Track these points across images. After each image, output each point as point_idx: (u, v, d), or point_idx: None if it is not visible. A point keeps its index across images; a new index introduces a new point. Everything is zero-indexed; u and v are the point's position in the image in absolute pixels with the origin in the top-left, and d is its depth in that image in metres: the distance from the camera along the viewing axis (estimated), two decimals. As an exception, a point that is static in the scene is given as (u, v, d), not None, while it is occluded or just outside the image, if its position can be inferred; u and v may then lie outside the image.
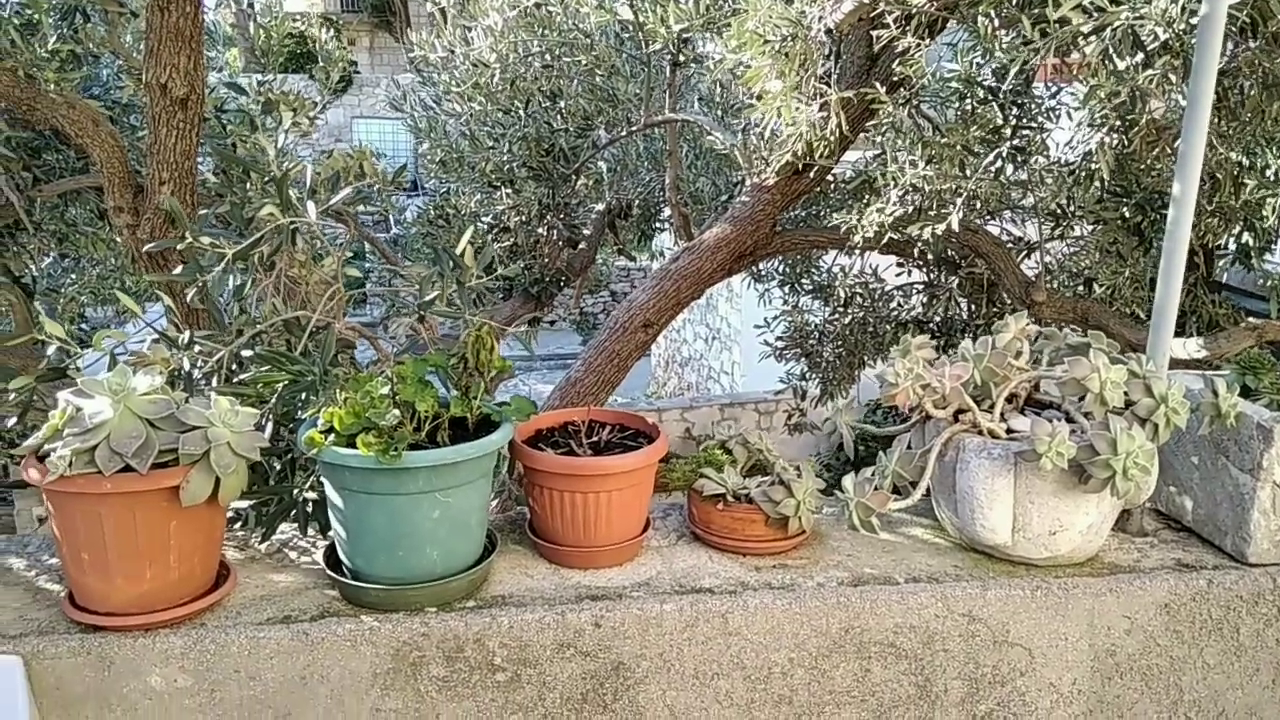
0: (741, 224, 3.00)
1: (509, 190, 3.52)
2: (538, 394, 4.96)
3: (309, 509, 1.52)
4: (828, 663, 1.40)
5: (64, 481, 1.19)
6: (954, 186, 2.36)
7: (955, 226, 2.34)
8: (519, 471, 1.48)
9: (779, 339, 3.62)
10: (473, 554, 1.38)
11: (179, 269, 1.46)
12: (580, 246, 3.94)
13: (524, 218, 3.57)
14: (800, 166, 2.68)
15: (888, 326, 3.61)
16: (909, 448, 1.54)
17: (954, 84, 2.43)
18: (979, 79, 2.37)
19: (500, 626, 1.32)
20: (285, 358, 1.48)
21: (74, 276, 4.03)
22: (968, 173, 2.36)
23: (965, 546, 1.52)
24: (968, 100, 2.38)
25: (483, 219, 3.70)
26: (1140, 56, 1.70)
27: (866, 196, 3.30)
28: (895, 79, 2.44)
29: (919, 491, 1.46)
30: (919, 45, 2.28)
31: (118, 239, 3.41)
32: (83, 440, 1.21)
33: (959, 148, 2.32)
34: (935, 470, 1.47)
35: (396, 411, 1.28)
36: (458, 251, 1.67)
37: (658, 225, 4.39)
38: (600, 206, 4.06)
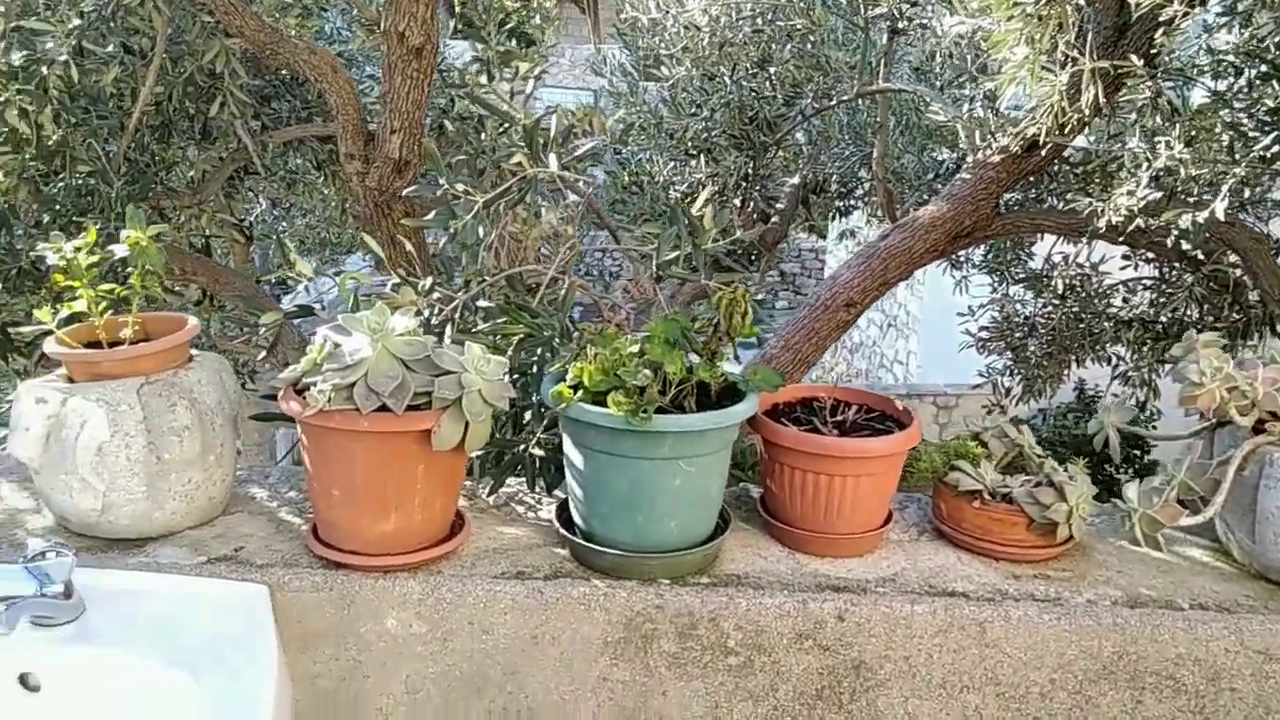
0: (960, 202, 2.81)
1: (707, 159, 3.43)
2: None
3: (536, 464, 1.49)
4: (1094, 689, 1.26)
5: (323, 416, 1.19)
6: (1218, 171, 2.11)
7: (1220, 215, 2.10)
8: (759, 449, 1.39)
9: (983, 329, 3.40)
10: (708, 528, 1.32)
11: (430, 215, 1.44)
12: (773, 220, 3.82)
13: (720, 188, 3.48)
14: (1032, 143, 2.46)
15: (1105, 324, 3.33)
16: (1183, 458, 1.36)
17: (1230, 57, 2.17)
18: (1261, 51, 2.10)
19: (737, 608, 1.25)
20: (525, 309, 1.45)
21: (285, 224, 4.22)
22: (1236, 156, 2.11)
23: (1257, 575, 1.34)
24: (1242, 76, 2.12)
25: (676, 188, 3.63)
26: None
27: (1101, 179, 3.02)
28: (1153, 50, 2.20)
29: (1212, 509, 1.29)
30: (1185, 14, 2.04)
31: (326, 191, 3.53)
32: (342, 376, 1.20)
33: (1224, 128, 2.07)
34: (1231, 486, 1.29)
35: (648, 372, 1.22)
36: (694, 212, 1.60)
37: (852, 203, 4.21)
38: (795, 180, 3.92)
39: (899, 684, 1.27)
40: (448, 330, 1.53)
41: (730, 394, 1.33)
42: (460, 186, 1.40)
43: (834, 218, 4.03)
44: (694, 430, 1.23)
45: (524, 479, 1.54)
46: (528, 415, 1.54)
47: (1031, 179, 3.13)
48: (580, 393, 1.25)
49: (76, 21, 1.94)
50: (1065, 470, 1.34)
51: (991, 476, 1.36)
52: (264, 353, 1.54)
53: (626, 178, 3.77)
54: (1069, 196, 3.19)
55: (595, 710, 1.29)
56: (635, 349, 1.25)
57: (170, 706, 1.08)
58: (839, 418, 1.38)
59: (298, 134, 2.78)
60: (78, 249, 1.29)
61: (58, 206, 2.28)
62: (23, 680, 1.13)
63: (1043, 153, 2.52)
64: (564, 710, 1.29)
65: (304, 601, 1.26)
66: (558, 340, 1.43)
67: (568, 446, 1.30)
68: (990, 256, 3.69)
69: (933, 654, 1.26)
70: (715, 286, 1.53)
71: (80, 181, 2.25)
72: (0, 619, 1.08)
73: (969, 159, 2.94)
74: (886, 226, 3.04)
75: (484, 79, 2.23)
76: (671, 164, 3.63)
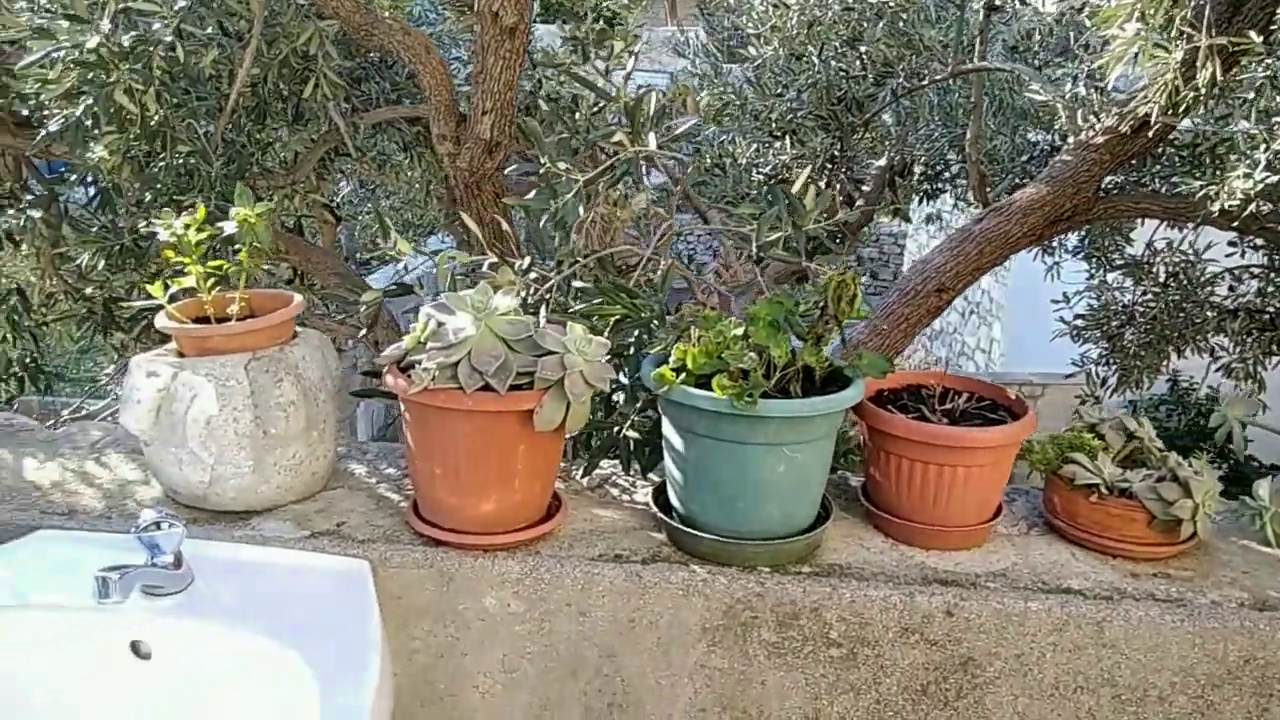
0: (1060, 185, 2.70)
1: (792, 140, 3.37)
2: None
3: (630, 447, 1.48)
4: (1218, 694, 1.20)
5: (428, 394, 1.19)
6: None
7: (1350, 199, 1.98)
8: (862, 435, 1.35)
9: (1078, 318, 3.28)
10: (809, 516, 1.28)
11: (531, 194, 1.43)
12: (858, 204, 3.73)
13: (805, 170, 3.41)
14: (1142, 124, 2.36)
15: (1209, 313, 3.18)
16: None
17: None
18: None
19: (841, 599, 1.21)
20: (625, 290, 1.43)
21: (370, 205, 4.28)
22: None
23: (1400, 581, 1.25)
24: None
25: (759, 170, 3.57)
26: None
27: (1210, 161, 2.88)
28: (1271, 26, 2.08)
29: (1353, 509, 1.21)
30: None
31: (410, 173, 3.56)
32: (446, 355, 1.20)
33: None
34: (1375, 486, 1.21)
35: (753, 355, 1.19)
36: (794, 192, 1.56)
37: (939, 186, 4.09)
38: (881, 162, 3.83)
39: (1009, 682, 1.22)
40: (542, 310, 1.52)
41: (834, 379, 1.29)
42: (562, 165, 1.38)
43: (920, 201, 3.92)
44: (800, 416, 1.19)
45: (617, 461, 1.53)
46: (617, 396, 1.52)
47: (1133, 162, 3.00)
48: (683, 375, 1.22)
49: (182, 3, 1.98)
50: (1190, 465, 1.27)
51: (1109, 470, 1.29)
52: (364, 330, 1.55)
53: (709, 160, 3.73)
54: (1174, 180, 3.05)
55: (692, 696, 1.27)
56: (739, 332, 1.22)
57: (275, 678, 1.09)
58: (948, 406, 1.33)
59: (387, 115, 2.80)
60: (187, 225, 1.31)
61: (158, 185, 2.33)
62: (134, 648, 1.15)
63: (1150, 134, 2.41)
64: (660, 695, 1.27)
65: (404, 578, 1.27)
66: (656, 322, 1.41)
67: (668, 430, 1.28)
68: (1086, 242, 3.56)
69: (1046, 653, 1.21)
70: (818, 269, 1.49)
71: (180, 161, 2.30)
72: (115, 587, 1.11)
73: (1069, 140, 2.83)
74: (981, 210, 2.95)
75: (578, 59, 2.22)
76: (755, 146, 3.58)
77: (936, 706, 1.24)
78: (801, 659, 1.24)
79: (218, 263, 1.34)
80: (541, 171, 1.40)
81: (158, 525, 1.14)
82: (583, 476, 1.49)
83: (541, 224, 1.41)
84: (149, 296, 2.54)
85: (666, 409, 1.27)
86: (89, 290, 2.49)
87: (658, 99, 1.62)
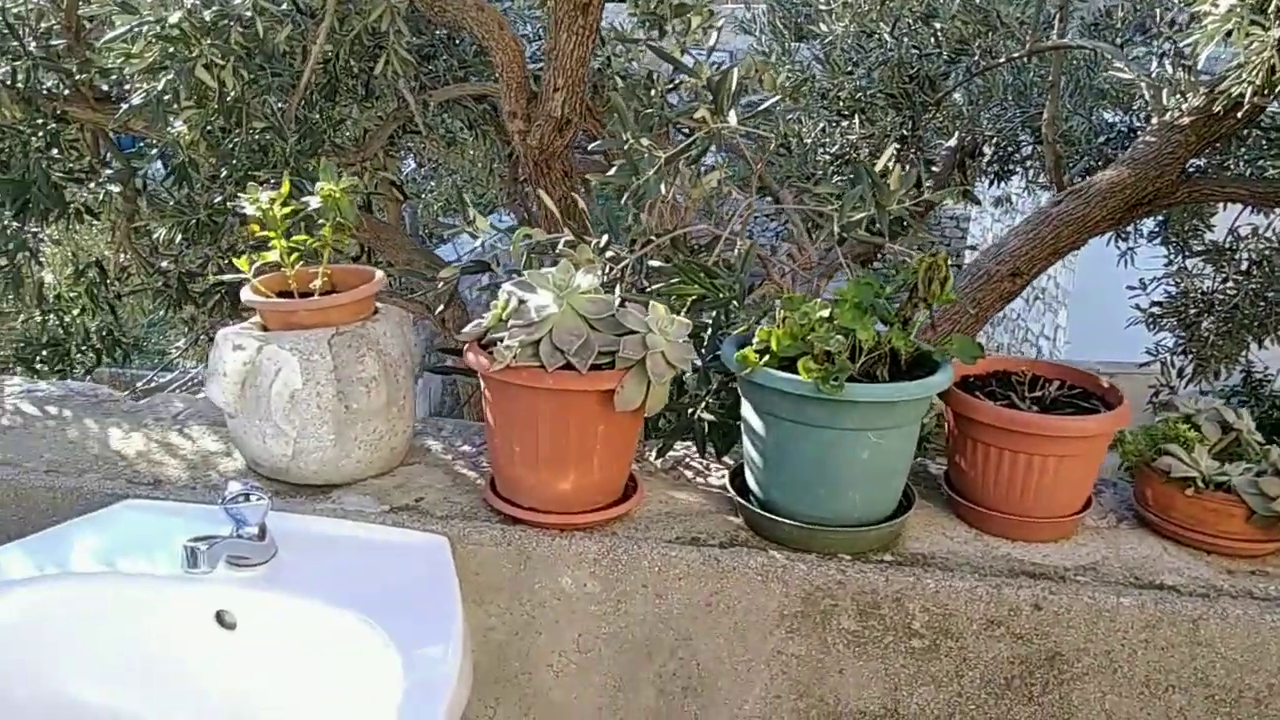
0: (1142, 167, 2.61)
1: (861, 119, 3.30)
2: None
3: (705, 429, 1.46)
4: (1321, 699, 1.15)
5: (510, 372, 1.18)
6: None
7: None
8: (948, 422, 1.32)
9: (1155, 305, 3.18)
10: (891, 504, 1.26)
11: (612, 170, 1.41)
12: (927, 185, 3.65)
13: (873, 150, 3.35)
14: (1234, 104, 2.26)
15: (1293, 303, 3.06)
16: None
17: None
18: None
19: (924, 589, 1.19)
20: (704, 270, 1.41)
21: (433, 184, 4.30)
22: None
23: None
24: None
25: (826, 149, 3.51)
26: None
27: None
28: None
29: None
30: None
31: (473, 151, 3.57)
32: (528, 333, 1.19)
33: None
34: None
35: (841, 338, 1.16)
36: (877, 170, 1.53)
37: (1010, 168, 3.99)
38: (951, 143, 3.74)
39: (1097, 679, 1.19)
40: (617, 289, 1.50)
41: (919, 364, 1.26)
42: (645, 142, 1.36)
43: (991, 183, 3.83)
44: (886, 401, 1.17)
45: (690, 443, 1.52)
46: (690, 378, 1.51)
47: (1217, 145, 2.89)
48: (766, 358, 1.20)
49: (261, -21, 1.99)
50: (1295, 460, 1.22)
51: (1207, 463, 1.25)
52: (441, 306, 1.55)
53: (775, 140, 3.68)
54: (1261, 163, 2.94)
55: (768, 682, 1.25)
56: (825, 313, 1.20)
57: (358, 650, 1.10)
58: (1038, 393, 1.29)
59: (455, 93, 2.81)
60: (273, 200, 1.32)
61: (234, 161, 2.36)
62: (219, 617, 1.17)
63: (1240, 115, 2.32)
64: (736, 680, 1.26)
65: (482, 555, 1.27)
66: (735, 303, 1.38)
67: (748, 412, 1.26)
68: (1164, 227, 3.44)
69: (1137, 650, 1.17)
70: (901, 250, 1.46)
71: (255, 137, 2.33)
72: (203, 557, 1.12)
73: (1153, 121, 2.74)
74: (1058, 193, 2.87)
75: (654, 34, 2.19)
76: (821, 125, 3.52)
77: (1020, 701, 1.21)
78: (881, 649, 1.22)
79: (301, 237, 1.34)
80: (625, 148, 1.38)
81: (244, 497, 1.15)
82: (656, 458, 1.47)
83: (623, 201, 1.39)
84: (221, 270, 2.57)
85: (748, 391, 1.25)
86: (165, 264, 2.54)
87: (736, 75, 1.59)
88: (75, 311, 2.54)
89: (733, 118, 1.46)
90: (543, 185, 2.35)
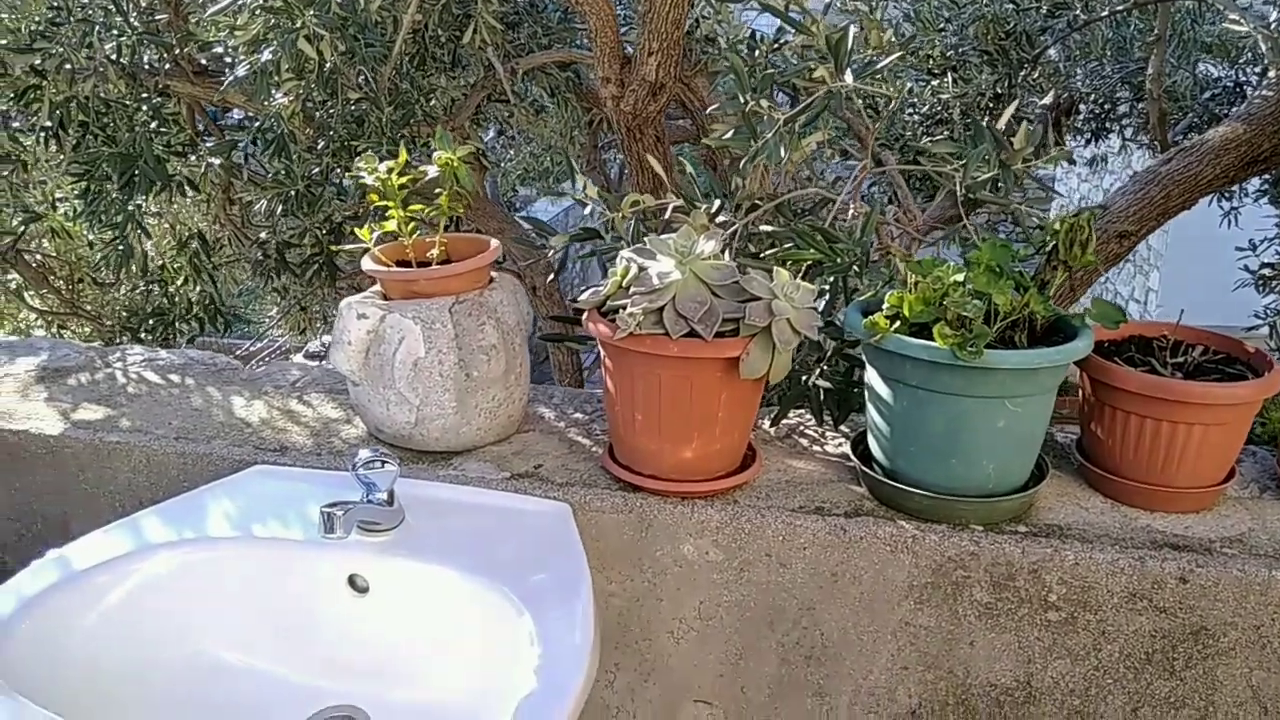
0: (1259, 124, 2.48)
1: (954, 78, 3.20)
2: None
3: (819, 397, 1.43)
4: None
5: (633, 340, 1.17)
6: None
7: None
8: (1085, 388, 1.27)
9: (1265, 266, 3.04)
10: (1025, 474, 1.22)
11: (729, 133, 1.38)
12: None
13: (964, 110, 3.25)
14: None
15: None
16: None
17: None
18: None
19: (1063, 561, 1.15)
20: (823, 233, 1.37)
21: (512, 153, 4.30)
22: None
23: None
24: None
25: (916, 110, 3.41)
26: None
27: None
28: None
29: None
30: None
31: (551, 122, 3.55)
32: (650, 300, 1.18)
33: None
34: None
35: (978, 303, 1.13)
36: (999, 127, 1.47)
37: (1107, 126, 3.84)
38: (1046, 100, 3.60)
39: (1244, 654, 1.14)
40: (726, 255, 1.48)
41: (1055, 329, 1.21)
42: (764, 104, 1.33)
43: (1087, 142, 3.69)
44: (1026, 368, 1.13)
45: (803, 411, 1.50)
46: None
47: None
48: (896, 324, 1.17)
49: (357, -52, 1.99)
50: None
51: (1364, 432, 1.18)
52: (551, 275, 1.55)
53: (860, 101, 3.58)
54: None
55: (894, 653, 1.24)
56: (959, 277, 1.16)
57: (488, 614, 1.11)
58: (1180, 359, 1.24)
59: (542, 59, 2.79)
60: (390, 170, 1.32)
61: (330, 133, 2.38)
62: (351, 581, 1.19)
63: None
64: (861, 650, 1.24)
65: (603, 522, 1.27)
66: (857, 268, 1.35)
67: (874, 380, 1.23)
68: (1275, 185, 3.28)
69: (1290, 627, 1.12)
70: (1019, 206, 1.41)
71: (350, 108, 2.34)
72: (339, 522, 1.14)
73: (1270, 75, 2.59)
74: (1164, 151, 2.75)
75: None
76: (909, 85, 3.42)
77: (1161, 676, 1.17)
78: (1015, 621, 1.19)
79: (418, 206, 1.35)
80: (743, 109, 1.35)
81: (376, 463, 1.17)
82: (771, 426, 1.45)
83: (742, 165, 1.37)
84: (319, 241, 2.60)
85: (875, 359, 1.22)
86: (263, 235, 2.58)
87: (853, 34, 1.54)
88: (179, 282, 2.60)
89: (849, 77, 1.42)
90: (634, 151, 2.33)
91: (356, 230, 1.34)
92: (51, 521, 1.45)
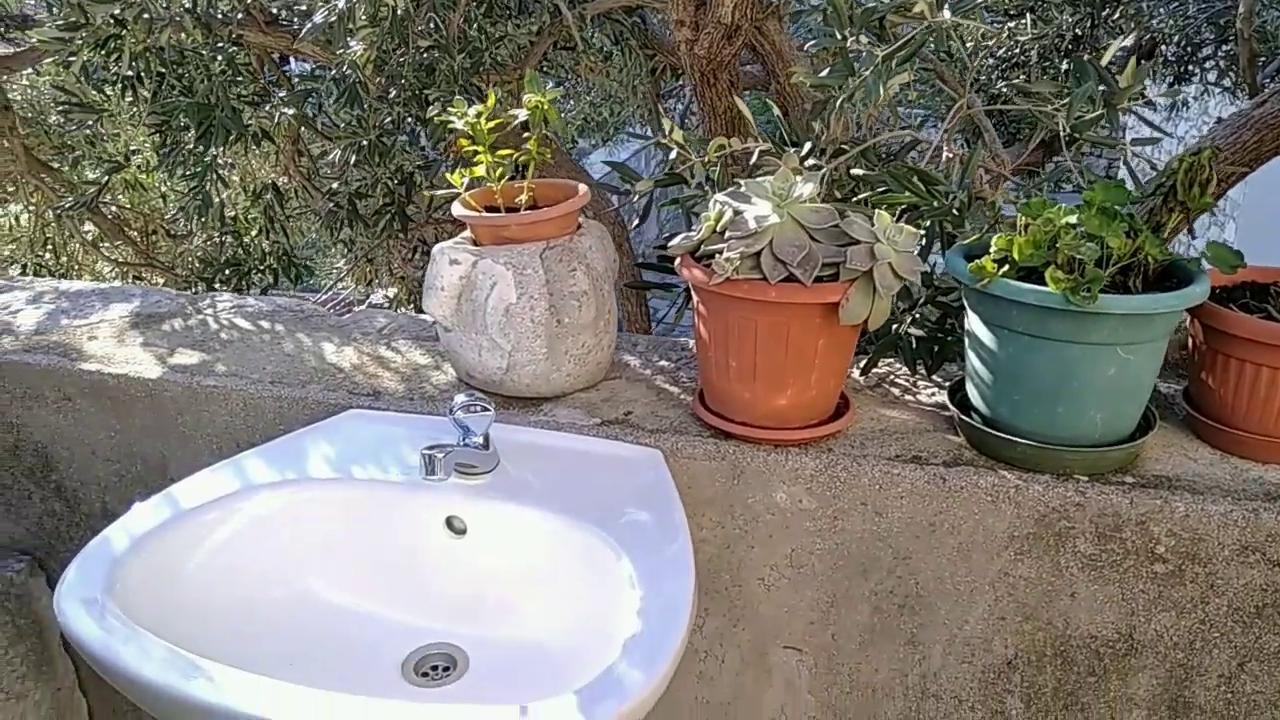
0: (1365, 63, 2.36)
1: (1032, 19, 3.09)
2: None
3: (912, 345, 1.41)
4: None
5: (730, 285, 1.15)
6: None
7: None
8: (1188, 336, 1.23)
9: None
10: (1132, 423, 1.19)
11: (825, 71, 1.35)
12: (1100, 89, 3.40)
13: (1043, 53, 3.13)
14: None
15: None
16: None
17: None
18: None
19: (1173, 513, 1.12)
20: (921, 175, 1.34)
21: (571, 103, 4.26)
22: None
23: None
24: None
25: (992, 54, 3.30)
26: None
27: None
28: None
29: None
30: None
31: (614, 71, 3.50)
32: (747, 245, 1.16)
33: None
34: None
35: (1093, 246, 1.09)
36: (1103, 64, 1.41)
37: (1189, 69, 3.68)
38: (1127, 42, 3.47)
39: (1362, 612, 1.11)
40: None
41: (1167, 275, 1.17)
42: (864, 40, 1.29)
43: (1170, 85, 3.54)
44: (1141, 313, 1.09)
45: (893, 361, 1.47)
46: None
47: None
48: (1004, 268, 1.14)
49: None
50: None
51: None
52: (637, 221, 1.53)
53: (931, 45, 3.48)
54: None
55: (991, 604, 1.22)
56: (1071, 220, 1.12)
57: (586, 557, 1.12)
58: (1298, 305, 1.19)
59: (609, 4, 2.74)
60: (479, 114, 1.31)
61: (401, 81, 2.37)
62: (449, 523, 1.21)
63: None
64: (956, 600, 1.23)
65: (694, 469, 1.27)
66: (957, 211, 1.31)
67: (976, 326, 1.20)
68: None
69: None
70: (1132, 153, 1.35)
71: (422, 56, 2.33)
72: (439, 465, 1.15)
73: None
74: (1255, 94, 2.62)
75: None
76: (981, 29, 3.31)
77: (1270, 631, 1.14)
78: (1120, 573, 1.16)
79: (506, 151, 1.33)
80: (840, 46, 1.31)
81: (472, 408, 1.17)
82: (861, 375, 1.43)
83: (838, 103, 1.33)
84: (390, 191, 2.60)
85: (978, 304, 1.19)
86: (334, 186, 2.60)
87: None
88: (253, 233, 2.63)
89: (946, 12, 1.37)
90: (707, 97, 2.29)
91: (426, 185, 1.33)
92: (150, 463, 1.49)
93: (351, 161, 2.34)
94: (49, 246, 3.29)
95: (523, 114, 1.30)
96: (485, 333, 1.29)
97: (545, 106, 1.29)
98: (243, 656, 0.95)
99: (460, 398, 1.18)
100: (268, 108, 2.49)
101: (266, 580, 1.17)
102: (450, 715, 0.84)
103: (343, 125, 2.39)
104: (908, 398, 1.38)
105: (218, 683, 0.88)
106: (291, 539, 1.19)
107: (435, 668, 1.15)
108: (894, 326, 1.42)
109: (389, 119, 2.35)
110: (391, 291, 3.83)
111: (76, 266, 3.40)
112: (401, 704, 0.87)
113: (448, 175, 1.32)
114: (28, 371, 1.49)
